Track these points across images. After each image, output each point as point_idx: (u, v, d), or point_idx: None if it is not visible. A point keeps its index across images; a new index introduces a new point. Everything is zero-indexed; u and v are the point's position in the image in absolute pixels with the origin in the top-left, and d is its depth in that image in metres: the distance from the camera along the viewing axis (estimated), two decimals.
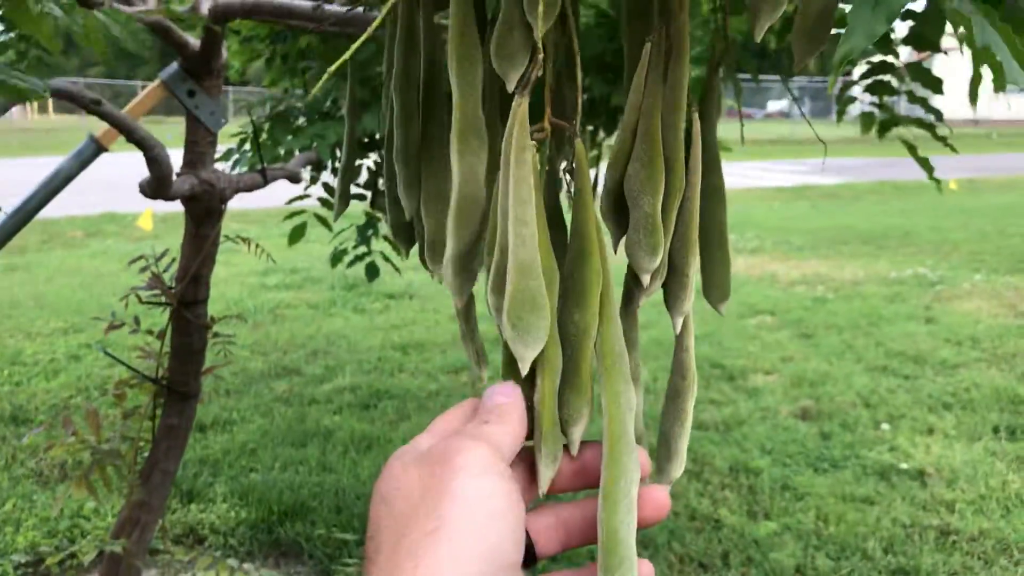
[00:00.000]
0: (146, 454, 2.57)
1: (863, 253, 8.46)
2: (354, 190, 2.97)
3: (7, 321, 5.85)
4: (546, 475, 0.61)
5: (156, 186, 1.98)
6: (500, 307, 0.60)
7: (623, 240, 0.70)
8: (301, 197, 2.86)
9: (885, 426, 4.10)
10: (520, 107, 0.59)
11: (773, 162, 18.43)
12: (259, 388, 4.64)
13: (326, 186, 2.94)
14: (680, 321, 0.71)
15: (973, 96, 1.03)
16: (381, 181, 2.97)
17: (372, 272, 3.15)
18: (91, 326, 5.64)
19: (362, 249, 3.07)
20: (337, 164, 2.99)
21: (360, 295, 6.73)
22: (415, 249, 0.95)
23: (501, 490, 0.53)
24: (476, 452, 0.54)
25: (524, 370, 0.60)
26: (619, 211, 0.70)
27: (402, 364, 5.08)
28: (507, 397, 0.61)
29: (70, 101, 1.82)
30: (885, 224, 10.17)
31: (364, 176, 2.95)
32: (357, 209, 2.95)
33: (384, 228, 3.07)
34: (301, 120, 2.92)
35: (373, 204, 2.99)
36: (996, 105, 1.72)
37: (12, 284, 6.99)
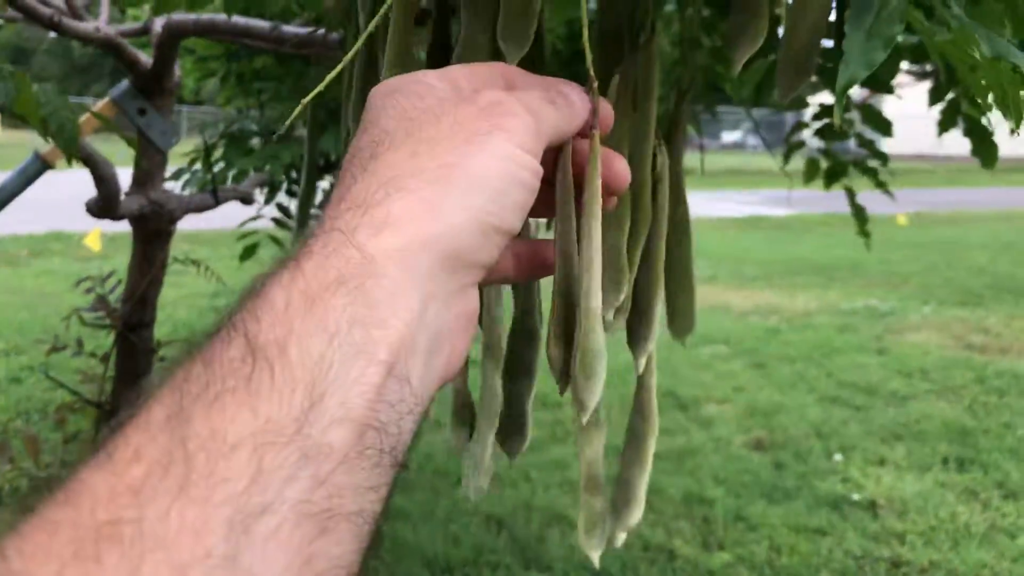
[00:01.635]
0: None
1: (815, 284, 8.56)
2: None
3: None
4: None
5: (104, 205, 1.92)
6: (563, 359, 0.56)
7: None
8: (255, 218, 2.81)
9: (838, 457, 4.12)
10: (595, 144, 0.55)
11: (726, 192, 18.65)
12: None
13: (280, 206, 2.89)
14: (643, 361, 0.68)
15: (944, 128, 1.03)
16: None
17: None
18: (33, 348, 5.48)
19: None
20: (293, 187, 2.95)
21: None
22: None
23: (530, 170, 0.47)
24: (525, 124, 0.47)
25: (584, 420, 0.57)
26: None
27: None
28: (581, 100, 0.53)
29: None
30: (835, 256, 10.31)
31: (319, 198, 2.91)
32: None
33: None
34: (255, 141, 2.88)
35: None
36: (943, 140, 1.73)
37: None
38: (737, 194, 18.61)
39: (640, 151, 0.65)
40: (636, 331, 0.69)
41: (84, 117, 1.95)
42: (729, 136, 41.16)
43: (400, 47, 0.64)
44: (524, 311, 0.68)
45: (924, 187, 20.26)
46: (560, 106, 0.51)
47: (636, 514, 0.70)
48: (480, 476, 0.75)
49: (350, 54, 0.67)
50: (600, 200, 0.54)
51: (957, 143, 1.43)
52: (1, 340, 5.71)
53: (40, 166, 2.14)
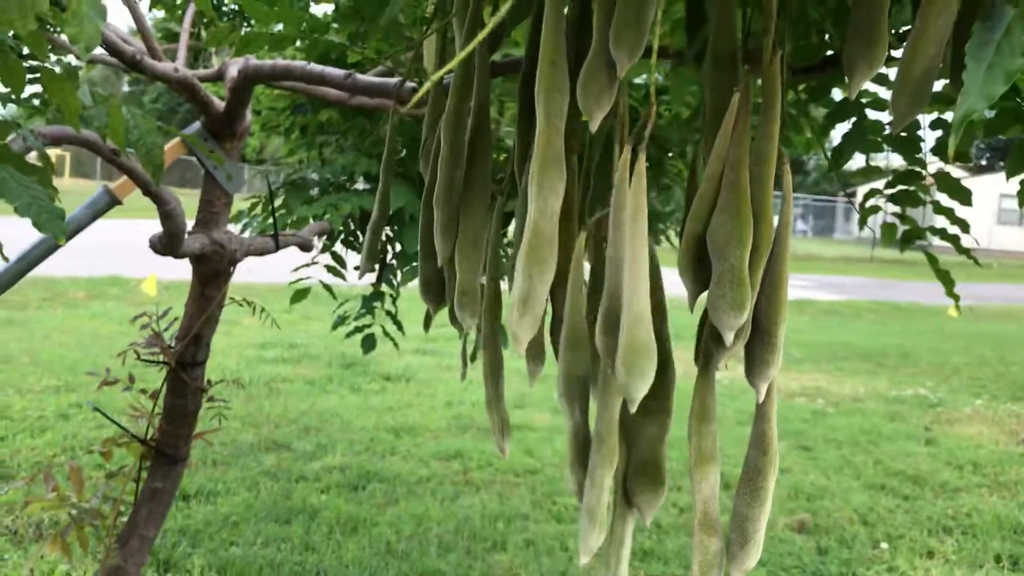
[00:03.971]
0: (126, 518, 2.49)
1: (863, 370, 8.42)
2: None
3: None
4: None
5: (168, 242, 1.96)
6: (611, 349, 0.57)
7: (701, 296, 0.67)
8: (308, 265, 2.85)
9: (884, 545, 3.99)
10: (639, 163, 0.57)
11: None
12: (247, 460, 4.54)
13: (334, 255, 2.93)
14: (764, 388, 0.67)
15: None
16: (390, 255, 2.96)
17: (369, 344, 3.11)
18: (83, 386, 5.57)
19: (363, 321, 3.04)
20: (349, 237, 3.00)
21: (356, 374, 6.67)
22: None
23: None
24: None
25: (633, 409, 0.57)
26: (699, 264, 0.67)
27: (394, 447, 4.99)
28: None
29: (91, 150, 1.82)
30: (884, 343, 10.14)
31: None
32: (359, 284, 2.94)
33: (388, 303, 3.05)
34: (315, 191, 2.94)
35: (379, 278, 2.98)
36: (997, 235, 1.71)
37: (8, 339, 6.94)
38: None
39: (761, 172, 0.65)
40: (757, 356, 0.67)
41: (169, 144, 2.01)
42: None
43: (552, 55, 0.65)
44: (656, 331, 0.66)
45: (977, 281, 19.94)
46: None
47: (754, 555, 0.67)
48: (593, 533, 0.69)
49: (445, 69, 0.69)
50: (645, 207, 0.55)
51: (1011, 238, 1.41)
52: (53, 377, 5.81)
53: (109, 200, 2.19)
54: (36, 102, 1.96)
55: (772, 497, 0.68)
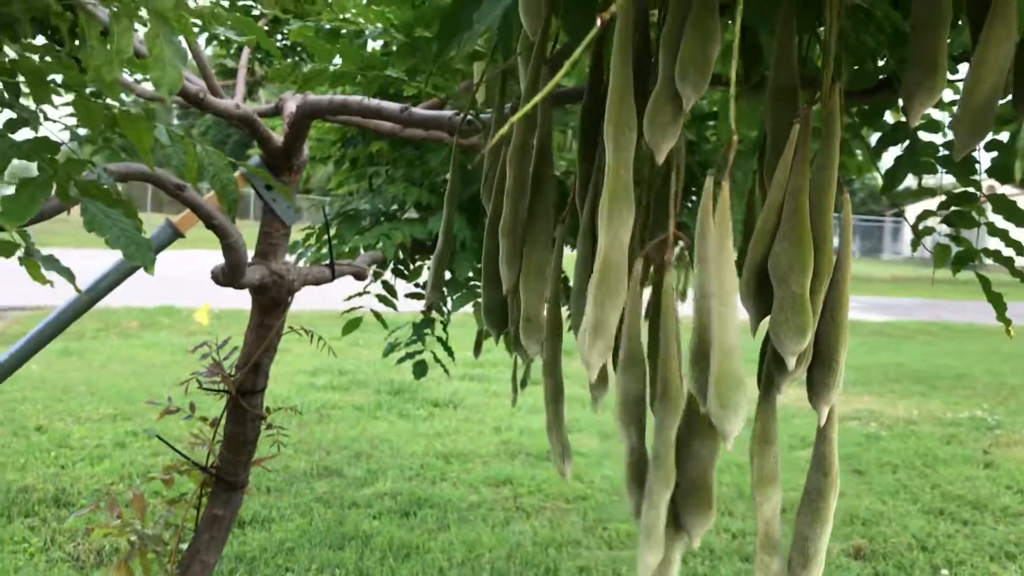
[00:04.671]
0: (184, 545, 2.53)
1: (916, 392, 8.28)
2: (412, 289, 3.01)
3: (58, 404, 5.92)
4: None
5: (230, 273, 2.01)
6: (702, 384, 0.59)
7: (763, 321, 0.68)
8: (360, 294, 2.89)
9: (944, 572, 3.92)
10: (722, 195, 0.59)
11: None
12: (300, 487, 4.60)
13: (386, 284, 2.97)
14: (826, 411, 0.68)
15: None
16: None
17: (420, 370, 3.14)
18: (139, 414, 5.68)
19: (414, 347, 3.07)
20: (399, 266, 3.04)
21: (405, 400, 6.72)
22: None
23: None
24: None
25: (729, 446, 0.59)
26: (761, 291, 0.69)
27: (444, 473, 5.01)
28: None
29: (156, 185, 1.87)
30: (937, 364, 9.97)
31: (423, 276, 2.99)
32: (407, 311, 2.97)
33: (439, 329, 3.08)
34: (366, 221, 2.98)
35: (431, 305, 3.01)
36: None
37: (67, 369, 7.10)
38: None
39: (822, 199, 0.66)
40: (818, 380, 0.69)
41: (236, 173, 2.06)
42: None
43: (621, 92, 0.68)
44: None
45: None
46: None
47: (816, 574, 0.69)
48: (652, 551, 0.71)
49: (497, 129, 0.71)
50: (731, 239, 0.57)
51: None
52: (110, 406, 5.93)
53: (172, 233, 2.26)
54: (100, 140, 2.03)
55: (832, 519, 0.69)
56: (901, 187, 1.71)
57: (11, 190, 1.03)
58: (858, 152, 1.77)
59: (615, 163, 0.67)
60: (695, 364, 0.60)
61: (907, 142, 1.24)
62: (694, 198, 3.11)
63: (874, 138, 1.45)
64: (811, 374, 0.68)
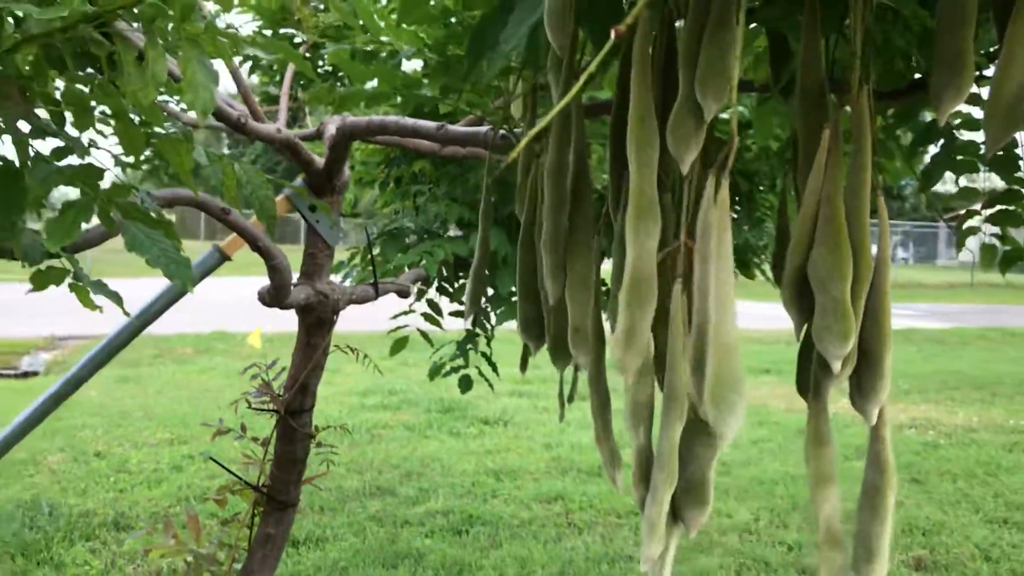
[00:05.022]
0: (239, 564, 2.57)
1: (975, 399, 8.09)
2: (456, 307, 3.03)
3: (116, 430, 6.04)
4: None
5: (275, 294, 2.05)
6: (700, 385, 0.59)
7: (805, 328, 0.69)
8: (406, 312, 2.92)
9: None
10: (721, 192, 0.60)
11: None
12: (353, 506, 4.63)
13: (430, 302, 3.00)
14: (875, 412, 0.69)
15: None
16: (483, 299, 3.01)
17: (466, 384, 3.15)
18: (195, 438, 5.78)
19: (459, 362, 3.09)
20: (443, 283, 3.06)
21: (455, 419, 6.74)
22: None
23: None
24: None
25: (722, 448, 0.59)
26: (802, 297, 0.69)
27: (495, 490, 5.02)
28: None
29: (202, 210, 1.92)
30: (998, 371, 9.74)
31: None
32: (452, 328, 2.99)
33: (483, 344, 3.09)
34: (410, 239, 3.02)
35: (474, 322, 3.03)
36: None
37: (124, 395, 7.24)
38: None
39: (857, 203, 0.67)
40: (865, 381, 0.69)
41: (278, 198, 2.10)
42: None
43: (641, 111, 0.69)
44: None
45: None
46: None
47: (880, 568, 0.69)
48: (653, 543, 0.74)
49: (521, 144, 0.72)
50: (729, 237, 0.58)
51: None
52: (166, 431, 6.04)
53: (219, 258, 2.31)
54: (146, 167, 2.08)
55: (893, 515, 0.70)
56: (954, 190, 1.69)
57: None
58: (897, 157, 1.75)
59: (638, 178, 0.69)
60: (695, 367, 0.60)
61: (943, 141, 1.23)
62: (737, 208, 3.10)
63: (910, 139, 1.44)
64: (857, 376, 0.69)
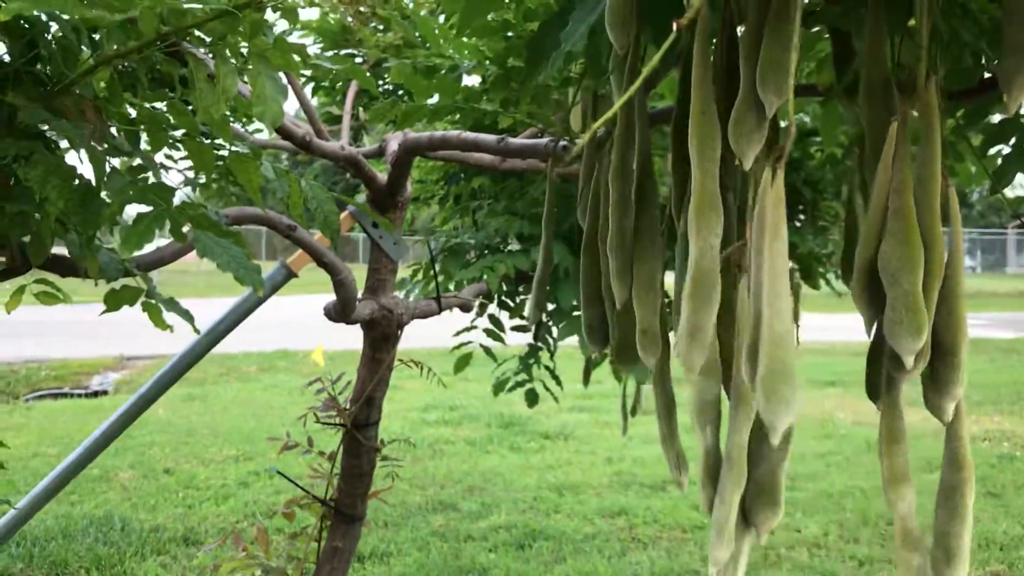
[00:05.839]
0: None
1: None
2: (517, 322, 3.03)
3: (184, 447, 6.16)
4: None
5: (341, 309, 2.08)
6: (752, 378, 0.59)
7: (877, 321, 0.68)
8: (469, 328, 2.93)
9: None
10: (776, 181, 0.60)
11: None
12: (416, 521, 4.66)
13: (492, 318, 3.01)
14: (951, 407, 0.68)
15: None
16: (545, 314, 3.01)
17: (532, 398, 3.15)
18: (260, 454, 5.87)
19: (523, 376, 3.09)
20: (504, 298, 3.07)
21: (516, 434, 6.74)
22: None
23: None
24: None
25: (775, 440, 0.59)
26: (873, 291, 0.69)
27: (558, 505, 5.00)
28: None
29: (269, 227, 1.96)
30: None
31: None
32: (514, 343, 3.00)
33: (545, 358, 3.09)
34: (471, 254, 3.04)
35: (536, 336, 3.03)
36: None
37: (191, 413, 7.39)
38: None
39: (927, 195, 0.66)
40: (940, 376, 0.68)
41: (342, 215, 2.14)
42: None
43: (702, 105, 0.69)
44: None
45: None
46: None
47: (961, 569, 0.68)
48: (722, 545, 0.73)
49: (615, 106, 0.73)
50: (785, 230, 0.57)
51: None
52: (233, 447, 6.15)
53: (286, 274, 2.35)
54: (214, 185, 2.14)
55: (972, 513, 0.68)
56: None
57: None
58: (968, 160, 1.72)
59: (700, 174, 0.69)
60: (748, 357, 0.60)
61: (1014, 139, 1.20)
62: (802, 216, 3.06)
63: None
64: (932, 371, 0.68)
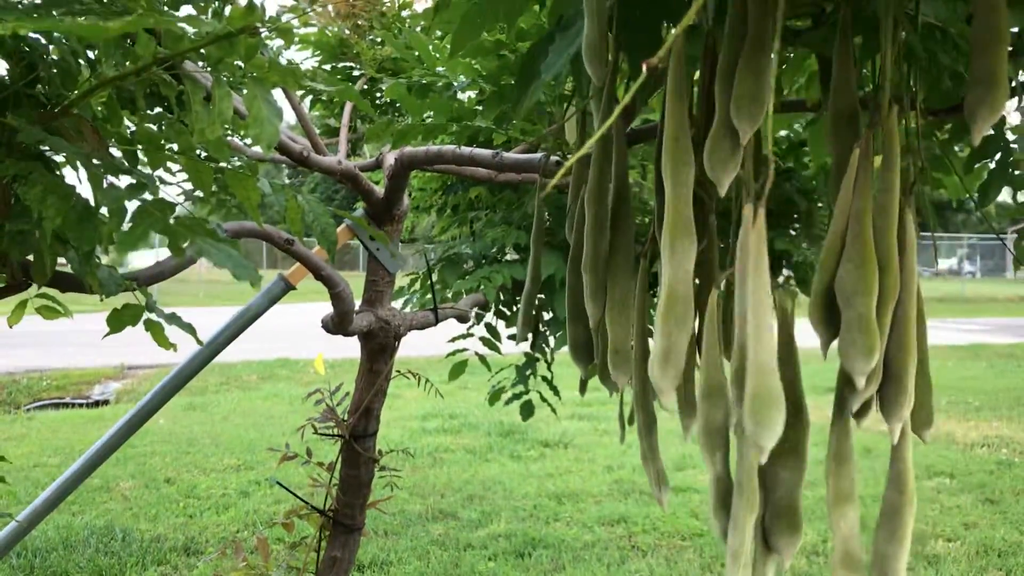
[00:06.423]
0: None
1: None
2: (513, 331, 3.05)
3: (184, 457, 6.18)
4: None
5: (338, 321, 2.10)
6: (740, 400, 0.61)
7: (832, 344, 0.70)
8: (464, 336, 2.95)
9: None
10: (757, 216, 0.62)
11: (943, 320, 17.61)
12: (416, 530, 4.67)
13: (488, 327, 3.02)
14: (898, 428, 0.69)
15: None
16: (541, 324, 3.03)
17: (528, 411, 3.17)
18: (261, 463, 5.88)
19: (520, 388, 3.11)
20: (501, 308, 3.09)
21: (516, 442, 6.75)
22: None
23: None
24: None
25: (763, 460, 0.60)
26: (829, 314, 0.71)
27: (557, 513, 5.01)
28: None
29: (267, 241, 1.98)
30: None
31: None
32: (511, 353, 3.01)
33: (543, 368, 3.11)
34: (468, 264, 3.06)
35: (533, 346, 3.05)
36: None
37: (191, 422, 7.40)
38: (955, 322, 17.52)
39: (883, 223, 0.68)
40: (889, 399, 0.70)
41: (340, 228, 2.16)
42: (944, 263, 39.13)
43: (675, 131, 0.72)
44: (787, 381, 0.69)
45: None
46: None
47: None
48: (737, 573, 0.73)
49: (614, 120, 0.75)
50: (766, 261, 0.60)
51: None
52: (233, 457, 6.16)
53: (284, 287, 2.37)
54: (213, 200, 2.16)
55: (911, 535, 0.69)
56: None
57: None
58: (954, 172, 1.74)
59: (674, 198, 0.71)
60: (735, 382, 0.62)
61: (999, 155, 1.22)
62: (796, 225, 3.08)
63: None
64: (882, 393, 0.70)
